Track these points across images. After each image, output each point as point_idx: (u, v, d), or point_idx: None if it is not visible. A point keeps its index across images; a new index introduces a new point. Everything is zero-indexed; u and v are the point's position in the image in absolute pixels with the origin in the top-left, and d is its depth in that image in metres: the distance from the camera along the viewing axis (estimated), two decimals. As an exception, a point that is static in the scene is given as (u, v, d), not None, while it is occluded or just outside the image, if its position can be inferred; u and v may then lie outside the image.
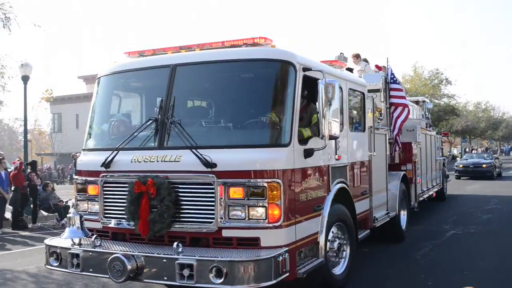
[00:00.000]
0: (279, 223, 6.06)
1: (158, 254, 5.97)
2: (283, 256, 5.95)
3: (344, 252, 7.90)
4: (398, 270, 9.19)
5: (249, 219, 6.08)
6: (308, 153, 6.62)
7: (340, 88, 7.92)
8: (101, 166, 6.80)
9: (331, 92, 6.48)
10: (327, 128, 6.46)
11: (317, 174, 7.03)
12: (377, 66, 13.49)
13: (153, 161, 6.47)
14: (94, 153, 7.22)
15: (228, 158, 6.18)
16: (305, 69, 6.65)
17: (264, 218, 6.03)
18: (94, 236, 6.52)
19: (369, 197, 9.42)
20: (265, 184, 6.02)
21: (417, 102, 18.20)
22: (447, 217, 15.47)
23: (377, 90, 11.81)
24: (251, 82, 6.83)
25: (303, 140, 6.68)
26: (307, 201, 6.71)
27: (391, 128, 12.20)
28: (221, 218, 6.12)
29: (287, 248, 6.07)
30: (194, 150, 6.19)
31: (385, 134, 10.70)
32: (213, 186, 6.14)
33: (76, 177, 7.42)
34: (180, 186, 6.33)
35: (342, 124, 7.97)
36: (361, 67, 13.58)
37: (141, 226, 6.31)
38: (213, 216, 6.15)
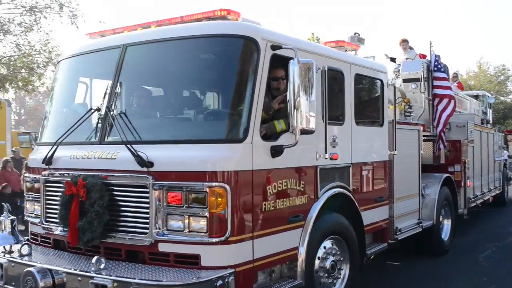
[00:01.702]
0: (224, 238, 4.84)
1: (74, 270, 4.95)
2: (227, 280, 4.74)
3: (342, 272, 6.52)
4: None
5: (189, 231, 4.92)
6: (277, 151, 5.34)
7: (340, 72, 6.56)
8: (42, 163, 5.90)
9: (305, 75, 5.16)
10: (299, 120, 5.14)
11: (294, 177, 5.71)
12: (421, 56, 11.77)
13: (91, 158, 5.46)
14: (44, 148, 6.32)
15: (167, 156, 5.05)
16: (274, 47, 5.37)
17: (205, 231, 4.85)
18: (23, 243, 5.62)
19: (389, 204, 7.92)
20: (206, 189, 4.83)
21: (476, 97, 16.15)
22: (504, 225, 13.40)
23: (417, 80, 10.23)
24: (202, 64, 5.63)
25: (273, 135, 5.43)
26: (277, 210, 5.43)
27: (434, 123, 10.56)
28: (158, 229, 4.99)
29: (233, 270, 4.84)
30: (129, 146, 5.11)
31: (418, 130, 9.07)
32: (147, 190, 5.03)
33: (26, 174, 6.59)
34: (115, 188, 5.28)
35: (342, 116, 6.63)
36: (410, 55, 11.99)
37: (70, 234, 5.32)
38: (147, 226, 5.04)
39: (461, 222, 11.64)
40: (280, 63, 5.48)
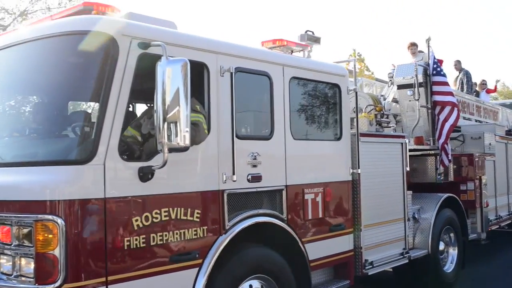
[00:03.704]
0: (57, 285, 3.82)
1: None
2: None
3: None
4: None
5: (20, 275, 3.94)
6: (146, 173, 4.28)
7: (263, 76, 5.45)
8: None
9: (176, 77, 4.11)
10: (165, 134, 4.08)
11: (182, 205, 4.60)
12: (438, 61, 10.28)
13: None
14: None
15: None
16: (145, 45, 4.35)
17: (33, 276, 3.85)
18: None
19: (353, 232, 6.62)
20: (33, 223, 3.84)
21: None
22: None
23: (409, 86, 8.87)
24: (45, 69, 4.62)
25: (149, 153, 4.40)
26: (151, 247, 4.35)
27: (436, 135, 9.12)
28: (-12, 272, 4.05)
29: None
30: None
31: (402, 143, 7.69)
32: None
33: None
34: None
35: (269, 128, 5.50)
36: (419, 59, 10.58)
37: None
38: (-24, 268, 4.10)
39: (477, 249, 10.01)
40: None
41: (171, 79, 4.10)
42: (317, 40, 6.73)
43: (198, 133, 4.66)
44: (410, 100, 9.11)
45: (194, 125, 4.64)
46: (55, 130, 4.42)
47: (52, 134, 4.43)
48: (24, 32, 4.74)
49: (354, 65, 8.17)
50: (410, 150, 8.55)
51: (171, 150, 4.17)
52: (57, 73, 4.46)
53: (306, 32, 6.63)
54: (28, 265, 3.88)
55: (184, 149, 4.19)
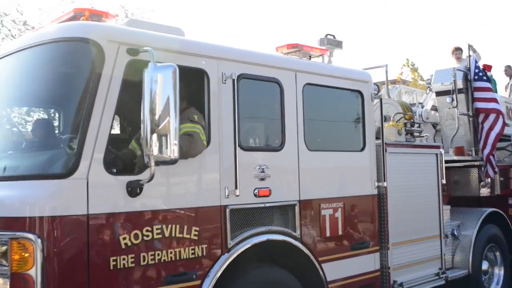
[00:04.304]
0: (33, 309, 3.58)
1: None
2: None
3: None
4: None
5: (-2, 297, 3.73)
6: (134, 188, 4.00)
7: (273, 82, 5.10)
8: None
9: (164, 85, 3.82)
10: (151, 146, 3.79)
11: (177, 222, 4.29)
12: (484, 66, 9.60)
13: None
14: None
15: None
16: (134, 52, 4.09)
17: (8, 299, 3.63)
18: None
19: (380, 251, 6.12)
20: (8, 241, 3.63)
21: None
22: None
23: (449, 92, 8.28)
24: (31, 79, 4.39)
25: (140, 167, 4.13)
26: (142, 267, 4.05)
27: (479, 144, 8.47)
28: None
29: None
30: None
31: (436, 154, 7.11)
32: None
33: None
34: None
35: (279, 139, 5.14)
36: (464, 64, 9.94)
37: None
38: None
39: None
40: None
41: (159, 87, 3.81)
42: (338, 44, 6.33)
43: (194, 145, 4.35)
44: (449, 108, 8.50)
45: (189, 136, 4.35)
46: (38, 142, 4.22)
47: (35, 147, 4.23)
48: (15, 42, 4.60)
49: (386, 71, 7.70)
50: (450, 162, 7.98)
51: (159, 163, 3.88)
52: (40, 83, 4.25)
53: (326, 36, 6.24)
54: (4, 286, 3.66)
55: (173, 162, 3.88)
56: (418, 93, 10.44)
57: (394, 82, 9.89)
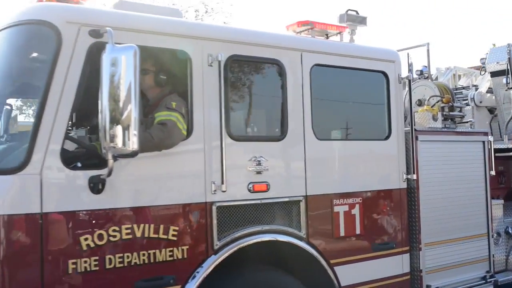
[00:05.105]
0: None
1: None
2: None
3: None
4: None
5: None
6: (96, 184, 3.61)
7: (272, 64, 4.56)
8: None
9: (123, 68, 3.40)
10: (107, 137, 3.38)
11: (150, 221, 3.87)
12: None
13: None
14: None
15: None
16: (97, 34, 3.68)
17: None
18: None
19: (410, 251, 5.43)
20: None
21: None
22: None
23: (501, 73, 7.36)
24: None
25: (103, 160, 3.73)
26: (108, 270, 3.66)
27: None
28: None
29: None
30: None
31: (483, 141, 6.24)
32: None
33: None
34: None
35: (281, 127, 4.60)
36: None
37: None
38: None
39: None
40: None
41: (117, 71, 3.39)
42: (362, 20, 5.62)
43: (168, 134, 3.90)
44: (506, 90, 7.54)
45: (162, 126, 3.90)
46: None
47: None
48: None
49: (428, 50, 6.90)
50: (503, 150, 7.06)
51: (117, 156, 3.46)
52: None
53: (347, 11, 5.56)
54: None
55: (133, 154, 3.45)
56: (477, 75, 9.44)
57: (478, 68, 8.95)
